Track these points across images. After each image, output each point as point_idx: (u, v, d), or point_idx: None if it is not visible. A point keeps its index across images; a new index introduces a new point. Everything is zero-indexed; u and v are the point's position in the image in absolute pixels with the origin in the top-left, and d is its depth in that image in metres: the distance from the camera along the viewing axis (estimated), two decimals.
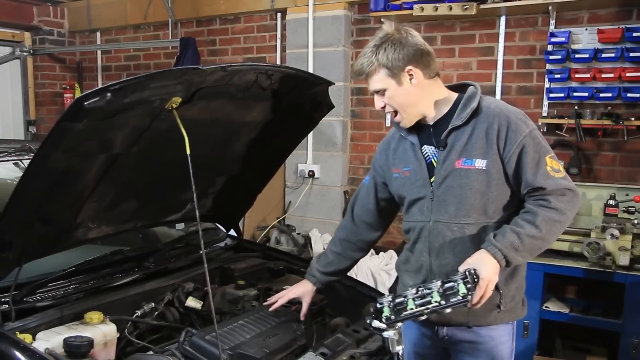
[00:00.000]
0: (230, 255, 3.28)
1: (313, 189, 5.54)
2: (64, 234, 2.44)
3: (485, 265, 2.00)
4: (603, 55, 4.19)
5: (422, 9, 4.57)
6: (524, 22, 4.58)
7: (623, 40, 4.13)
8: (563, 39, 4.31)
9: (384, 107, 2.22)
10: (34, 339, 2.13)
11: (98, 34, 7.06)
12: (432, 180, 2.20)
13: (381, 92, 2.18)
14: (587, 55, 4.24)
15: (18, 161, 2.94)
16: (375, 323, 2.06)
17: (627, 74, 4.08)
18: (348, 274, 2.83)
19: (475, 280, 1.97)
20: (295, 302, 2.61)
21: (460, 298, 1.96)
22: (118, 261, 2.78)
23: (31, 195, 2.09)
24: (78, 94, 6.18)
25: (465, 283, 1.96)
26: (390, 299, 2.06)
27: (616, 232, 3.73)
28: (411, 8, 4.64)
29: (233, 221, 3.44)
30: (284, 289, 2.71)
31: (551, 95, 4.42)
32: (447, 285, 1.99)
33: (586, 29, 4.32)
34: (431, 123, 2.23)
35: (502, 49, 4.65)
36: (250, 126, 2.78)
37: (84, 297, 2.48)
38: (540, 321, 3.99)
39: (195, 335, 2.22)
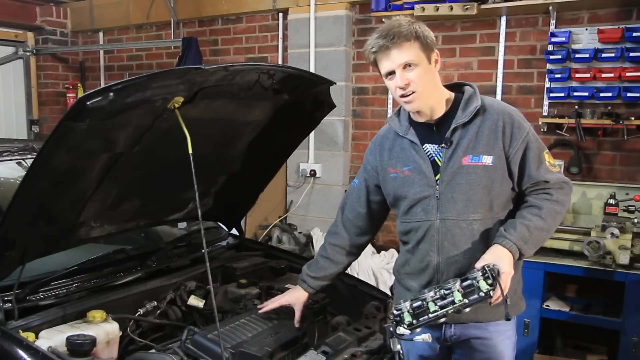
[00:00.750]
0: (232, 254, 3.29)
1: (314, 188, 5.55)
2: (66, 233, 2.44)
3: (503, 260, 2.03)
4: (603, 55, 4.19)
5: (423, 9, 4.58)
6: (525, 22, 4.59)
7: (623, 40, 4.14)
8: (563, 39, 4.32)
9: (403, 88, 2.10)
10: (36, 337, 2.13)
11: (101, 34, 7.08)
12: (437, 178, 2.20)
13: (409, 67, 2.08)
14: (587, 55, 4.24)
15: (21, 160, 2.95)
16: (400, 330, 2.02)
17: (627, 74, 4.09)
18: (349, 273, 2.83)
19: (495, 275, 1.98)
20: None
21: (483, 294, 1.97)
22: (120, 260, 2.79)
23: (34, 195, 2.09)
24: (81, 94, 6.16)
25: (485, 279, 1.97)
26: (408, 305, 2.04)
27: (616, 231, 3.74)
28: (412, 8, 4.66)
29: (235, 220, 3.44)
30: (286, 287, 2.71)
31: (551, 94, 4.42)
32: (465, 283, 2.00)
33: (586, 29, 4.33)
34: (434, 121, 2.23)
35: (503, 48, 4.66)
36: (252, 125, 2.78)
37: (86, 296, 2.48)
38: (540, 320, 4.00)
39: (198, 334, 2.22)
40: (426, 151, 2.24)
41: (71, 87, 7.02)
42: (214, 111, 2.46)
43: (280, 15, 5.71)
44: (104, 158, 2.25)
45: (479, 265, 2.03)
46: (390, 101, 5.22)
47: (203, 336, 2.20)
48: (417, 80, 2.10)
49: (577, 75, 4.27)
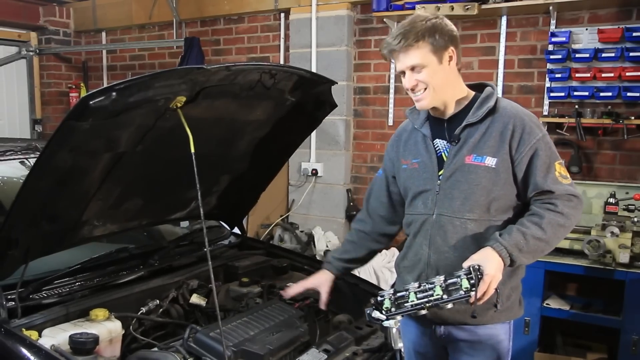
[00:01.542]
0: (234, 253, 3.30)
1: (316, 187, 5.56)
2: (69, 231, 2.45)
3: (490, 262, 2.01)
4: (603, 54, 4.20)
5: (424, 9, 4.59)
6: (525, 22, 4.59)
7: (623, 40, 4.14)
8: (564, 39, 4.33)
9: (412, 89, 2.17)
10: (39, 335, 2.14)
11: (103, 33, 7.10)
12: (440, 173, 2.22)
13: (417, 69, 2.13)
14: (587, 55, 4.25)
15: (24, 160, 2.96)
16: (376, 314, 2.07)
17: (627, 74, 4.09)
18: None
19: (479, 276, 1.97)
20: (308, 297, 2.64)
21: (463, 293, 1.96)
22: (123, 259, 2.80)
23: (37, 194, 2.09)
24: (83, 93, 6.20)
25: (468, 279, 1.96)
26: (392, 292, 2.07)
27: (616, 230, 3.75)
28: (413, 8, 4.66)
29: (237, 219, 3.45)
30: (288, 286, 2.73)
31: (552, 94, 4.43)
32: (450, 280, 2.00)
33: (586, 29, 4.33)
34: (446, 117, 2.25)
35: (504, 48, 4.67)
36: (254, 125, 2.79)
37: (89, 294, 2.49)
38: (541, 318, 4.01)
39: (200, 332, 2.23)
40: (436, 146, 2.26)
41: (74, 86, 7.04)
42: (216, 111, 2.47)
43: (282, 15, 5.72)
44: (107, 157, 2.26)
45: (465, 264, 2.02)
46: (391, 101, 5.23)
47: (205, 334, 2.21)
48: (425, 81, 2.14)
49: (577, 75, 4.28)
